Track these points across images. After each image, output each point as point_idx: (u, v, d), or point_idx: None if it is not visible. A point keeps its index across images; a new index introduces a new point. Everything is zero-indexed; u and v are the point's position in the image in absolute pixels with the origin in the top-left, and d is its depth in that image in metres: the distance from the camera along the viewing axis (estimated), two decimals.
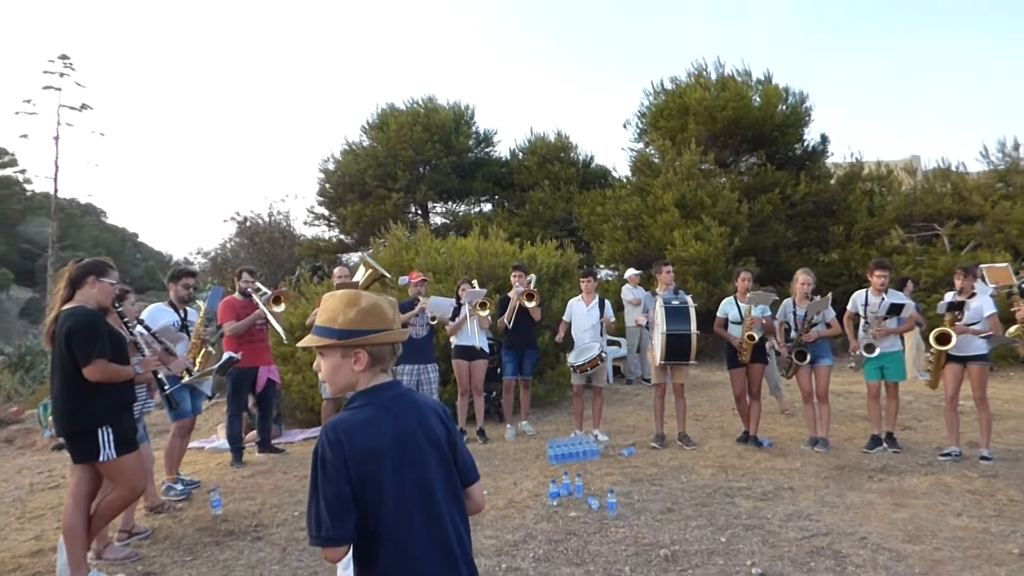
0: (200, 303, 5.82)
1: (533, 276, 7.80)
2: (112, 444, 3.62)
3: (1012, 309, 5.23)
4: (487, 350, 7.21)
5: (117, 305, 3.95)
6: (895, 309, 5.94)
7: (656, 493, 4.99)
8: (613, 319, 7.27)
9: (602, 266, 15.71)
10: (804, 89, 17.84)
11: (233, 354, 5.79)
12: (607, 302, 7.11)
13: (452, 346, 7.19)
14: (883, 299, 6.04)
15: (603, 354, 6.70)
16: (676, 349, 6.22)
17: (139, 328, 4.53)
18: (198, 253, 22.04)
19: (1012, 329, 5.22)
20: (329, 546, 1.61)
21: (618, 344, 10.95)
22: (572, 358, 6.82)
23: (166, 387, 4.20)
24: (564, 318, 7.13)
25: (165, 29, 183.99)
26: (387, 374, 1.82)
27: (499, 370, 7.70)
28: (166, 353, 4.77)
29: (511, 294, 7.15)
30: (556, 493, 4.85)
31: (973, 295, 5.73)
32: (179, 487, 5.38)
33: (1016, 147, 13.85)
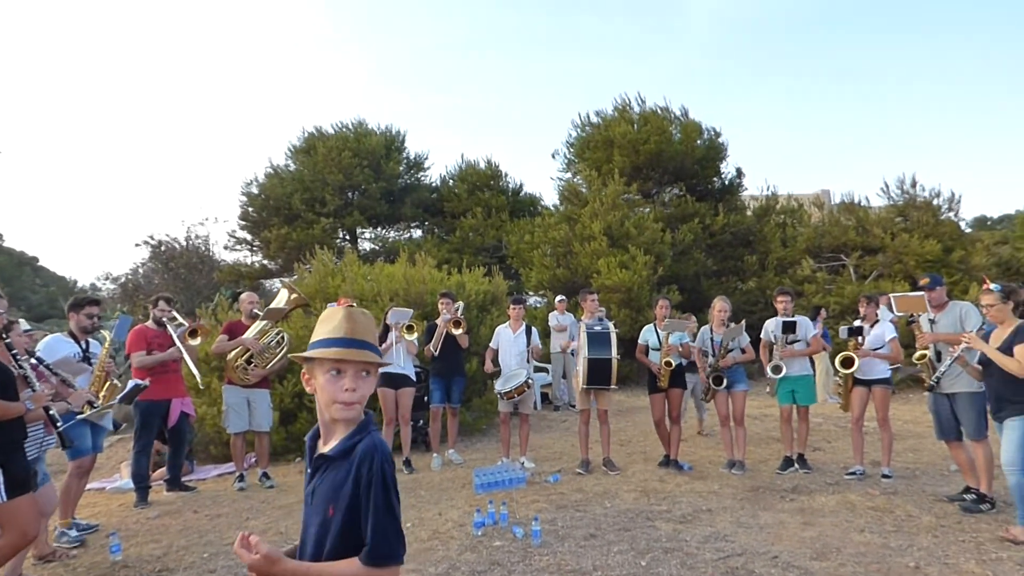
0: (106, 333, 5.48)
1: (460, 303, 7.79)
2: (2, 486, 3.35)
3: (917, 346, 5.54)
4: (414, 378, 7.11)
5: (4, 336, 3.68)
6: (788, 327, 6.31)
7: (580, 519, 5.01)
8: (540, 346, 7.33)
9: (531, 293, 15.88)
10: (719, 126, 18.84)
11: (140, 381, 5.38)
12: (534, 329, 7.16)
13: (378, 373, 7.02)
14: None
15: (530, 381, 6.73)
16: (597, 373, 6.32)
17: (32, 360, 4.21)
18: (106, 278, 20.80)
19: (917, 355, 5.55)
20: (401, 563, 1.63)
21: (546, 370, 11.03)
22: (499, 385, 6.82)
23: (59, 423, 3.90)
24: (491, 345, 7.14)
25: (70, 39, 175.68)
26: None
27: (426, 398, 7.61)
28: (64, 385, 4.44)
29: (438, 321, 7.10)
30: (481, 523, 4.80)
31: (876, 322, 6.15)
32: (73, 533, 4.96)
33: (913, 184, 14.93)
